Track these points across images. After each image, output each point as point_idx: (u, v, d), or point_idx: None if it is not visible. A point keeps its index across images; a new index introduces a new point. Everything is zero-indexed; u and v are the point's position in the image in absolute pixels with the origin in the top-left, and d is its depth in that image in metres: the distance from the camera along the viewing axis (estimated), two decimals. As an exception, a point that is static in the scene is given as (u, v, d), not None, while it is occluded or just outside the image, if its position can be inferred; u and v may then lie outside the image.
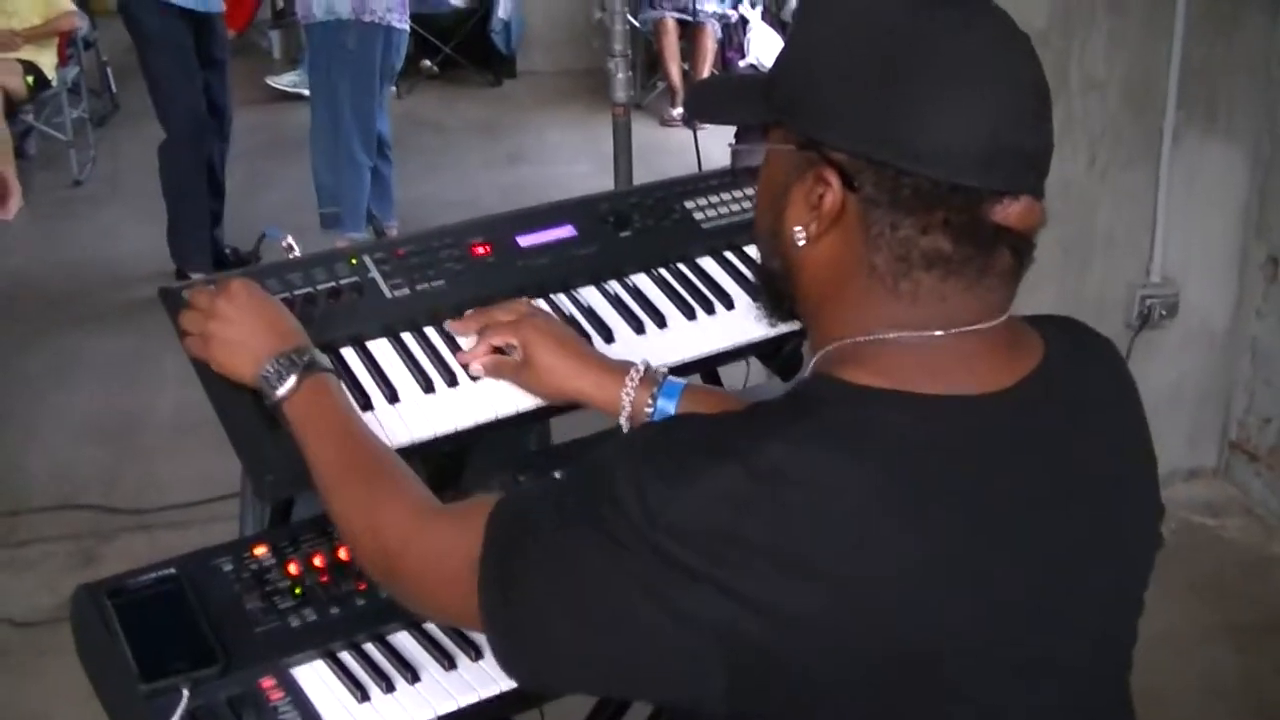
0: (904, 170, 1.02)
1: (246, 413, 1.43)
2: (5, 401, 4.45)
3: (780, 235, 1.13)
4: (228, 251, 5.41)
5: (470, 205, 5.99)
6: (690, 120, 4.92)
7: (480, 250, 1.68)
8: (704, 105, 1.27)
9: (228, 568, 1.43)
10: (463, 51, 8.31)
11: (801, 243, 1.10)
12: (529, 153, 6.95)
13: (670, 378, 1.49)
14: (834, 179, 1.06)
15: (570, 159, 6.70)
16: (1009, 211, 1.04)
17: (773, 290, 1.20)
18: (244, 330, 1.42)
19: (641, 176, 4.10)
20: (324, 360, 1.43)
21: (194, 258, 5.22)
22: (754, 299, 1.45)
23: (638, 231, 1.78)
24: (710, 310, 1.72)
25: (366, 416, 1.46)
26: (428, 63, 8.27)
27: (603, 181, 5.04)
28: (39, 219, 6.26)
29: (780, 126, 1.12)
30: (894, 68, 1.02)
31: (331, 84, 5.10)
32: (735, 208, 1.84)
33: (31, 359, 4.75)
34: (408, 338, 1.60)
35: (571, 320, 1.65)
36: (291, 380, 1.38)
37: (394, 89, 5.37)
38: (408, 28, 5.22)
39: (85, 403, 4.45)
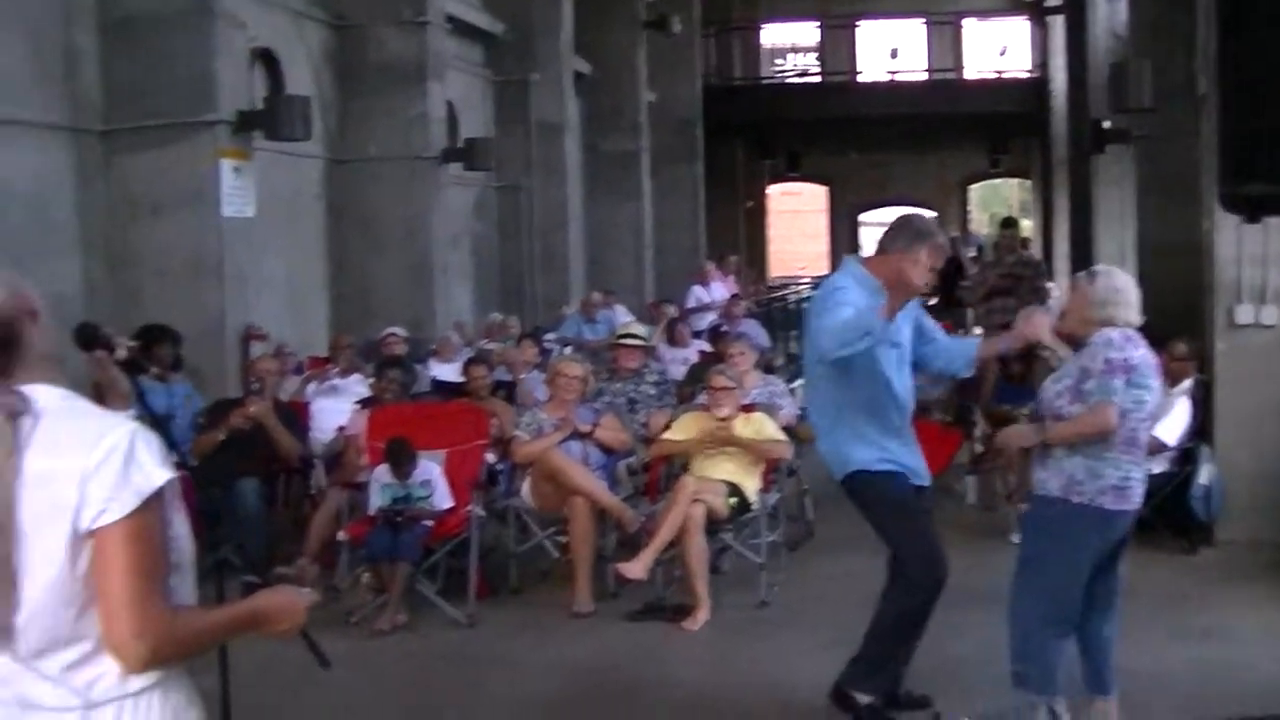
0: None
1: None
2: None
3: None
4: (901, 693, 5.53)
5: (1156, 678, 5.98)
6: None
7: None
8: None
9: None
10: (1160, 515, 8.36)
11: None
12: (1221, 629, 6.83)
13: None
14: None
15: (1266, 641, 6.54)
16: None
17: None
18: None
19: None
20: None
21: (872, 690, 5.36)
22: None
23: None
24: None
25: None
26: (1125, 532, 8.40)
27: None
28: (722, 634, 6.86)
29: None
30: None
31: (1037, 551, 5.03)
32: None
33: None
34: None
35: None
36: None
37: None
38: (1130, 508, 4.96)
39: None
